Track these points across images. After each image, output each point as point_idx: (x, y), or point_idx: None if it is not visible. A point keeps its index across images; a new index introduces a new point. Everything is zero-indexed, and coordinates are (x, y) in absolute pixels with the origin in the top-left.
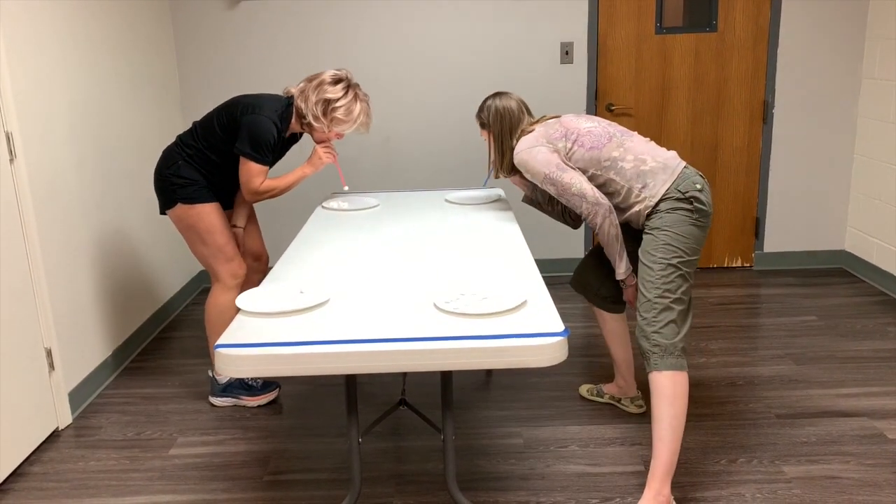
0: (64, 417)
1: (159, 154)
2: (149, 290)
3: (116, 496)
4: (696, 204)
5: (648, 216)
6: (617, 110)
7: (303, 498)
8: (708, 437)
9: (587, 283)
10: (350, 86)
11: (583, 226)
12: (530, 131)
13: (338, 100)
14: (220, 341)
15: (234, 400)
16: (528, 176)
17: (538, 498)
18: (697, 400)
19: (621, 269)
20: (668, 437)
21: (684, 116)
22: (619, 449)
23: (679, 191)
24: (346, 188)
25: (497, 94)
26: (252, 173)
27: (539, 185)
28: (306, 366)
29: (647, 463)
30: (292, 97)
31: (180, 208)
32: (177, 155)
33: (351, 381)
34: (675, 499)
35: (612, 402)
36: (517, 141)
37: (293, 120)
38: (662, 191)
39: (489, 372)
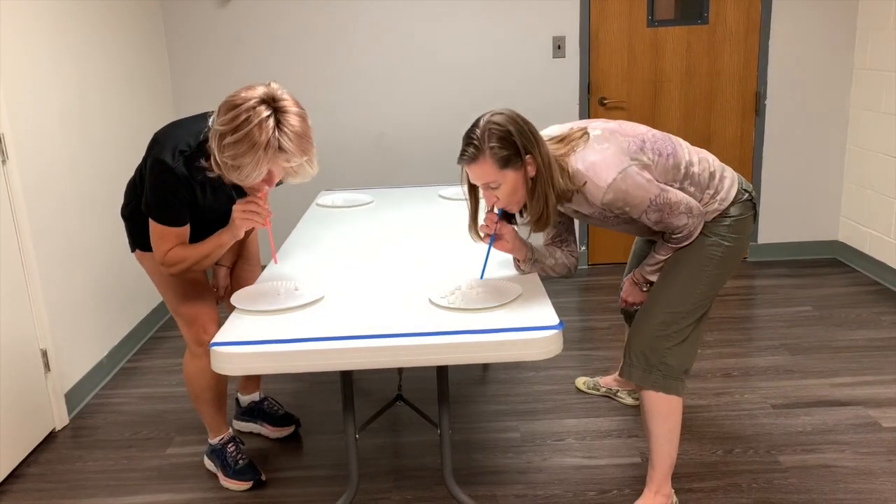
0: (61, 418)
1: None
2: (144, 290)
3: (114, 496)
4: (756, 206)
5: (714, 219)
6: (609, 104)
7: (300, 495)
8: (704, 427)
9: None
10: (255, 112)
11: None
12: (569, 154)
13: (228, 133)
14: (215, 339)
15: (214, 468)
16: (624, 209)
17: (535, 491)
18: (693, 391)
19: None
20: (664, 449)
21: (677, 109)
22: (616, 441)
23: (745, 191)
24: (276, 264)
25: (488, 114)
26: (155, 236)
27: (638, 217)
28: (302, 363)
29: (643, 455)
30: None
31: (139, 255)
32: (131, 195)
33: (347, 377)
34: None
35: (608, 394)
36: (556, 175)
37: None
38: (733, 192)
39: (485, 366)
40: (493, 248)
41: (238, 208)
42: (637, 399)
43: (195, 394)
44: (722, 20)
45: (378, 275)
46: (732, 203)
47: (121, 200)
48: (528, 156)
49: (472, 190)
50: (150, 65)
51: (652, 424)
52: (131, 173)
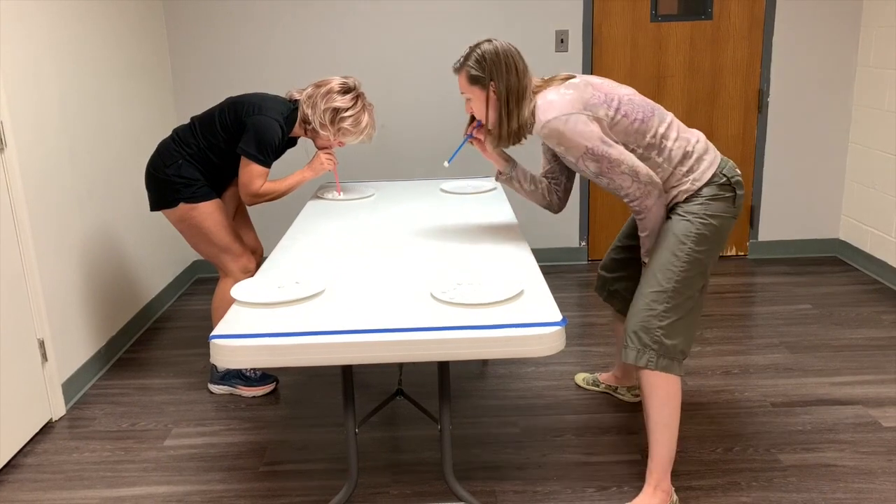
0: (57, 409)
1: (152, 144)
2: (142, 281)
3: (111, 487)
4: (738, 191)
5: (686, 199)
6: None
7: (299, 488)
8: (703, 425)
9: (615, 292)
10: (359, 96)
11: (578, 213)
12: (542, 90)
13: (346, 109)
14: (215, 332)
15: (230, 389)
16: (559, 150)
17: (535, 487)
18: (693, 389)
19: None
20: (664, 437)
21: (679, 105)
22: (616, 438)
23: (724, 175)
24: (340, 195)
25: (487, 40)
26: (254, 174)
27: (575, 162)
28: (302, 357)
29: (643, 452)
30: (296, 101)
31: (183, 208)
32: (176, 153)
33: (347, 371)
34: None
35: (608, 391)
36: (530, 102)
37: (297, 125)
38: (709, 175)
39: (485, 361)
40: (477, 152)
41: (323, 154)
42: (637, 395)
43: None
44: (726, 16)
45: (379, 268)
46: (707, 184)
47: (120, 191)
48: (491, 82)
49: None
50: (150, 55)
51: (651, 408)
52: (131, 163)
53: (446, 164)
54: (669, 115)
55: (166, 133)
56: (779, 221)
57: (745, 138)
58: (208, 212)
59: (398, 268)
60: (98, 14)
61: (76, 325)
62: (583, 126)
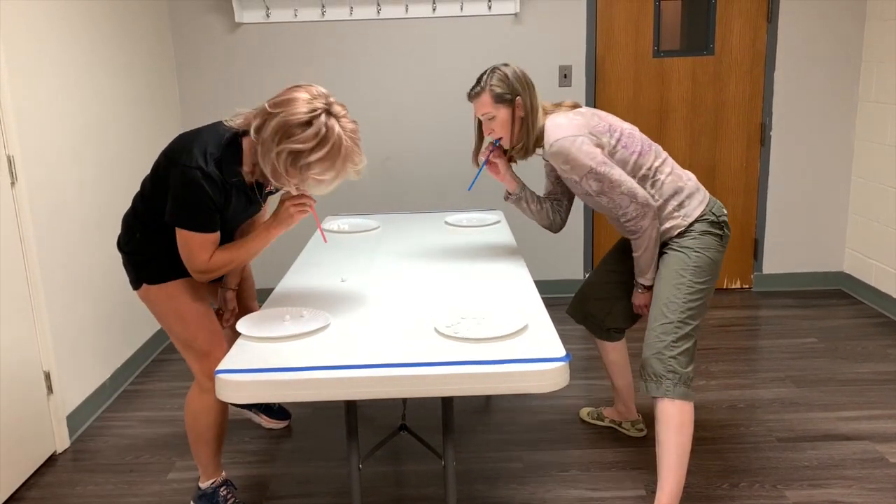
0: (62, 441)
1: None
2: (147, 313)
3: None
4: (725, 230)
5: (679, 234)
6: None
7: None
8: (709, 460)
9: (590, 314)
10: (328, 127)
11: (582, 245)
12: (552, 114)
13: (310, 151)
14: (220, 367)
15: (250, 414)
16: (564, 168)
17: None
18: (698, 423)
19: (650, 275)
20: (675, 465)
21: (682, 139)
22: (621, 473)
23: (714, 214)
24: (326, 243)
25: (504, 64)
26: (192, 246)
27: (577, 182)
28: (307, 392)
29: (648, 487)
30: (237, 132)
31: (144, 289)
32: (133, 226)
33: (351, 406)
34: None
35: (612, 425)
36: (539, 122)
37: (247, 160)
38: (699, 212)
39: (489, 395)
40: (490, 176)
41: (290, 202)
42: (641, 430)
43: (198, 433)
44: (727, 51)
45: (384, 302)
46: (697, 220)
47: None
48: (517, 98)
49: (480, 127)
50: (159, 88)
51: (665, 437)
52: None
53: (469, 189)
54: (665, 154)
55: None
56: (783, 254)
57: (748, 171)
58: (165, 295)
59: (402, 301)
60: (108, 46)
61: (82, 357)
62: (587, 147)
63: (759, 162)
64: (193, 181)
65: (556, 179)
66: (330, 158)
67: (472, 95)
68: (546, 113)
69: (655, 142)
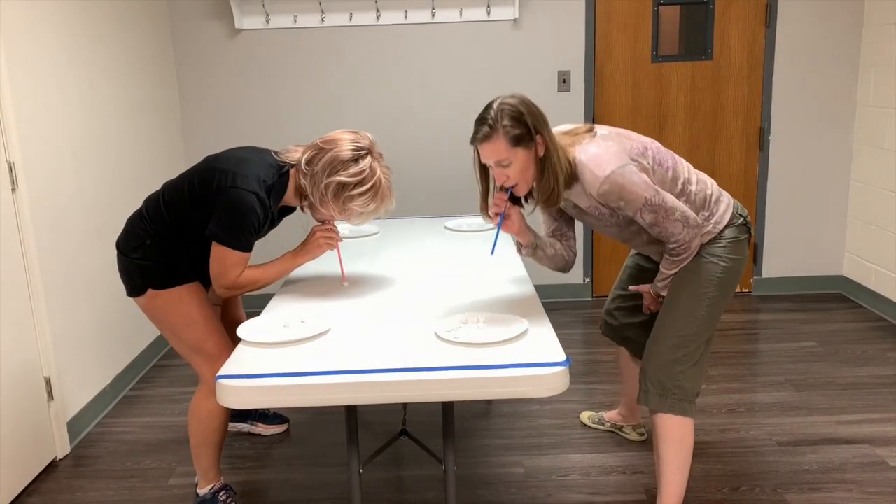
0: (62, 447)
1: (160, 182)
2: (147, 319)
3: None
4: (750, 231)
5: (710, 241)
6: None
7: None
8: (710, 465)
9: (629, 339)
10: (371, 167)
11: (582, 250)
12: (576, 145)
13: (355, 185)
14: (221, 372)
15: (248, 427)
16: (618, 204)
17: None
18: (699, 427)
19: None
20: (676, 479)
21: (681, 143)
22: (622, 478)
23: (741, 215)
24: (346, 284)
25: (510, 96)
26: (228, 263)
27: (633, 215)
28: (307, 397)
29: (649, 492)
30: (287, 165)
31: (149, 295)
32: (143, 233)
33: (352, 410)
34: None
35: (613, 429)
36: (562, 158)
37: (290, 192)
38: (727, 216)
39: (489, 400)
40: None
41: (320, 234)
42: (642, 434)
43: (203, 436)
44: (726, 56)
45: (383, 307)
46: (727, 226)
47: None
48: (538, 136)
49: (483, 172)
50: (160, 96)
51: (665, 451)
52: (139, 201)
53: (491, 254)
54: (683, 160)
55: (174, 172)
56: (783, 258)
57: (748, 176)
58: (175, 300)
59: (402, 306)
60: (108, 53)
61: (82, 363)
62: (637, 177)
63: (758, 166)
64: (249, 205)
65: (558, 213)
66: (371, 193)
67: (481, 139)
68: (563, 145)
69: None
